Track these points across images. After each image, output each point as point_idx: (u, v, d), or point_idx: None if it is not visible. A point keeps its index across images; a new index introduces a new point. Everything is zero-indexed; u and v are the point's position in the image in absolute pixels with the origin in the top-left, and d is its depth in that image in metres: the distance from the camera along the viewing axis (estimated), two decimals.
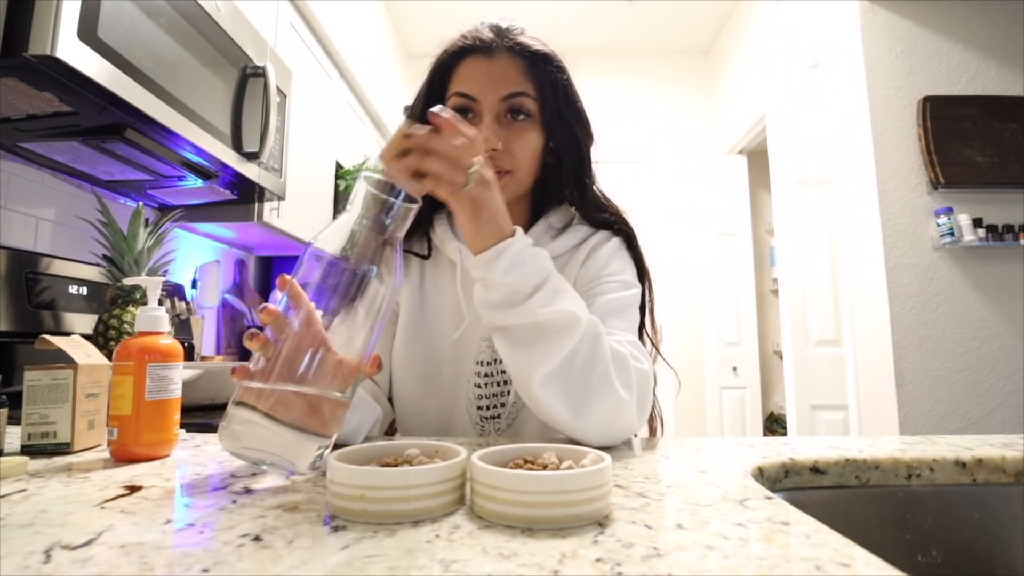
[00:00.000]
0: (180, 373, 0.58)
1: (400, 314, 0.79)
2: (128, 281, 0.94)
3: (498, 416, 0.75)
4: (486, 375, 0.75)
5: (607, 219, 0.79)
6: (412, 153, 0.53)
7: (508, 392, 0.75)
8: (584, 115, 0.77)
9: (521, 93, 0.71)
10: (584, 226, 0.80)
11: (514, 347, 0.58)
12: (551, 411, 0.57)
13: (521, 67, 0.72)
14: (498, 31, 0.73)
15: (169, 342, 0.58)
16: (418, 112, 0.75)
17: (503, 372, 0.75)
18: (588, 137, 0.77)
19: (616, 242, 0.78)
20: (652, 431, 0.77)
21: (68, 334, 0.68)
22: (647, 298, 0.79)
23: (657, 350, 0.77)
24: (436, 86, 0.75)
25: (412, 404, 0.77)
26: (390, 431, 0.82)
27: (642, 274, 0.78)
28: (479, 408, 0.75)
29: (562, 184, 0.79)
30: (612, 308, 0.69)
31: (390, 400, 0.80)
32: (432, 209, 0.80)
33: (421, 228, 0.81)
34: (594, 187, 0.80)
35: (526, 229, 0.78)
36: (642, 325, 0.77)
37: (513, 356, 0.59)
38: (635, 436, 0.68)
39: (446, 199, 0.56)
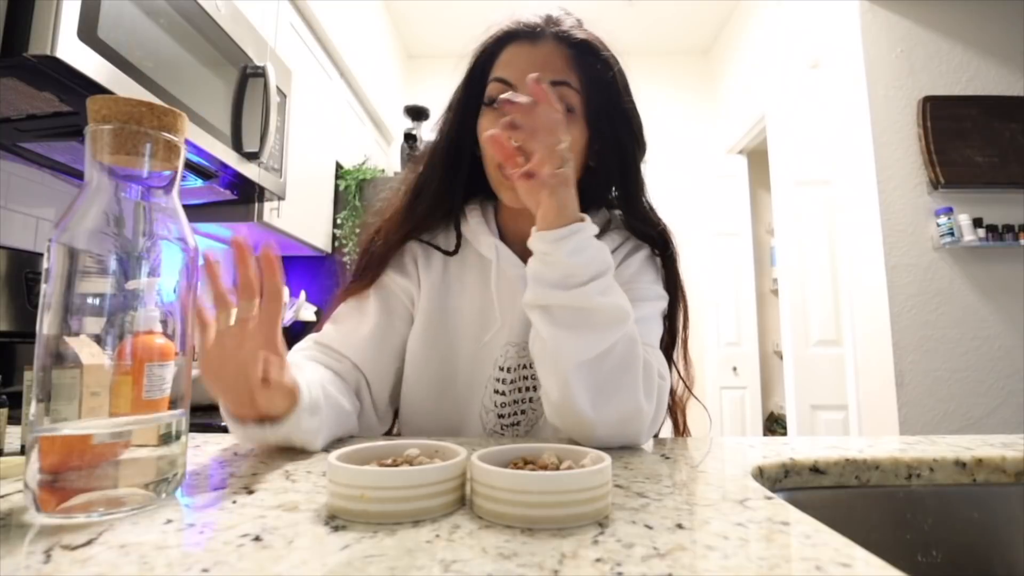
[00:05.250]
0: (171, 372, 0.58)
1: (419, 312, 0.73)
2: (129, 285, 0.93)
3: (518, 423, 0.72)
4: (511, 381, 0.72)
5: (651, 235, 0.75)
6: (519, 129, 0.53)
7: (531, 399, 0.72)
8: (634, 120, 0.72)
9: (563, 83, 0.66)
10: (618, 232, 0.76)
11: (558, 327, 0.57)
12: (574, 397, 0.56)
13: (566, 56, 0.67)
14: (547, 19, 0.70)
15: (163, 341, 0.58)
16: (460, 101, 0.72)
17: (526, 378, 0.72)
18: (637, 144, 0.72)
19: (647, 252, 0.75)
20: (679, 432, 0.77)
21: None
22: (682, 326, 0.76)
23: (690, 391, 0.74)
24: (478, 72, 0.71)
25: (422, 408, 0.73)
26: (388, 435, 0.77)
27: (678, 298, 0.75)
28: (500, 416, 0.72)
29: (601, 188, 0.75)
30: (638, 316, 0.67)
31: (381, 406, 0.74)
32: (464, 198, 0.75)
33: (450, 219, 0.75)
34: (643, 199, 0.74)
35: None
36: (671, 348, 0.75)
37: (555, 335, 0.57)
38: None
39: (540, 180, 0.55)
